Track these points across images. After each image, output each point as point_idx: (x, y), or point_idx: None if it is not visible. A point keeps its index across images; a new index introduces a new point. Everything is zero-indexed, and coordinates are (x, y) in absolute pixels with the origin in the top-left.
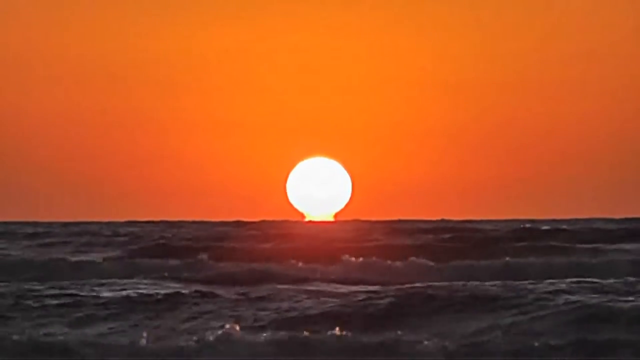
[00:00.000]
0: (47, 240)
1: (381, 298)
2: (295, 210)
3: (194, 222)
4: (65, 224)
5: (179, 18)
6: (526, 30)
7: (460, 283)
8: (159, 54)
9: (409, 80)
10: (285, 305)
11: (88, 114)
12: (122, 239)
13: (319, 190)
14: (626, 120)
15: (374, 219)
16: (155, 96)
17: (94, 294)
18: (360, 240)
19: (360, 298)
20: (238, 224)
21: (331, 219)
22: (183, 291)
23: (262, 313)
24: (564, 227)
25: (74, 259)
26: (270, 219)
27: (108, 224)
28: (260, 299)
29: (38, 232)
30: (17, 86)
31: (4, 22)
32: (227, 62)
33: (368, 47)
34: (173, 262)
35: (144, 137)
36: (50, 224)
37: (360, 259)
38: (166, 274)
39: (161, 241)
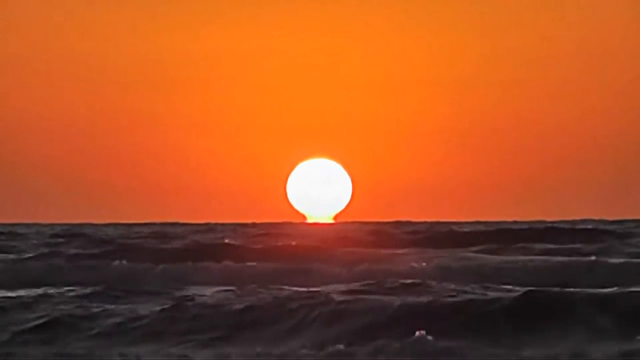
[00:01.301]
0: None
1: None
2: (296, 211)
3: (191, 224)
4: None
5: (180, 18)
6: (529, 30)
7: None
8: (160, 54)
9: (410, 81)
10: None
11: (88, 114)
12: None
13: (319, 191)
14: (631, 119)
15: (374, 220)
16: (154, 97)
17: None
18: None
19: None
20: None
21: (331, 220)
22: None
23: None
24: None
25: None
26: (271, 220)
27: (107, 225)
28: None
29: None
30: (18, 86)
31: (4, 23)
32: (228, 63)
33: (369, 48)
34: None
35: (144, 138)
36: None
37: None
38: None
39: None
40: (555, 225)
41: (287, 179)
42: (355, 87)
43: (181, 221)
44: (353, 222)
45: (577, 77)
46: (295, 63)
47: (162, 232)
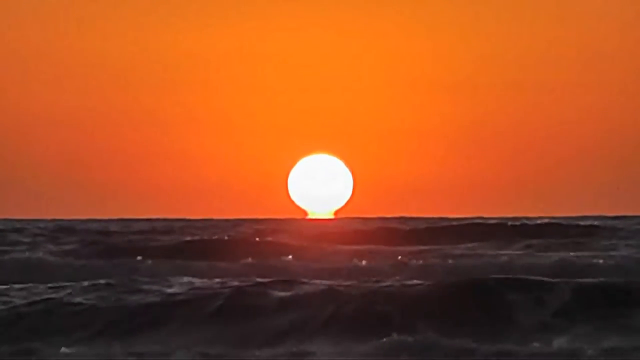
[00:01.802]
0: None
1: None
2: (297, 207)
3: (193, 220)
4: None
5: (181, 17)
6: (529, 30)
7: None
8: (161, 53)
9: (411, 79)
10: None
11: (89, 113)
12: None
13: (320, 187)
14: (630, 118)
15: (375, 216)
16: (156, 94)
17: None
18: None
19: None
20: (238, 222)
21: (332, 216)
22: None
23: None
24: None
25: None
26: (273, 216)
27: (99, 221)
28: None
29: None
30: (19, 85)
31: (4, 22)
32: (229, 61)
33: (370, 45)
34: None
35: (145, 135)
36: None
37: None
38: None
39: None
40: (554, 221)
41: (288, 175)
42: (356, 84)
43: (183, 217)
44: (353, 218)
45: (577, 77)
46: (297, 61)
47: (156, 227)
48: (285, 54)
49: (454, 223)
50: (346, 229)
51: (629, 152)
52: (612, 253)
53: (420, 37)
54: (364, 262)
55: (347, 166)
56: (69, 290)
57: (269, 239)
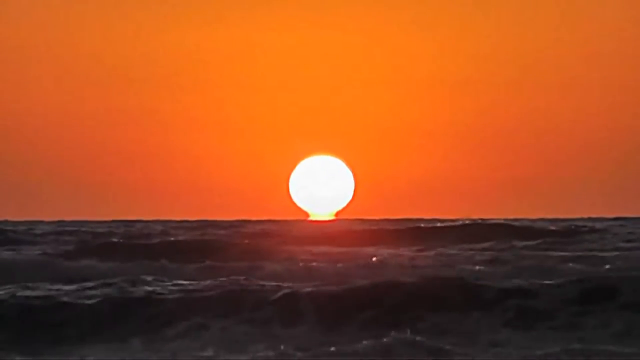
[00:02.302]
0: None
1: None
2: (299, 208)
3: (195, 221)
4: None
5: (181, 18)
6: (529, 30)
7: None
8: (163, 52)
9: (412, 79)
10: None
11: (92, 112)
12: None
13: (321, 188)
14: (632, 118)
15: (376, 217)
16: (158, 95)
17: None
18: None
19: None
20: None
21: (333, 217)
22: None
23: None
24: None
25: None
26: (274, 218)
27: (103, 222)
28: None
29: None
30: (22, 85)
31: (4, 22)
32: (230, 61)
33: (371, 46)
34: None
35: (147, 136)
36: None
37: None
38: None
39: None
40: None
41: (290, 176)
42: (357, 85)
43: (185, 218)
44: (354, 220)
45: (576, 77)
46: (298, 61)
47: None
48: (285, 55)
49: (454, 224)
50: (343, 231)
51: (629, 152)
52: (601, 254)
53: (421, 38)
54: (357, 263)
55: (349, 167)
56: (67, 289)
57: (263, 241)
